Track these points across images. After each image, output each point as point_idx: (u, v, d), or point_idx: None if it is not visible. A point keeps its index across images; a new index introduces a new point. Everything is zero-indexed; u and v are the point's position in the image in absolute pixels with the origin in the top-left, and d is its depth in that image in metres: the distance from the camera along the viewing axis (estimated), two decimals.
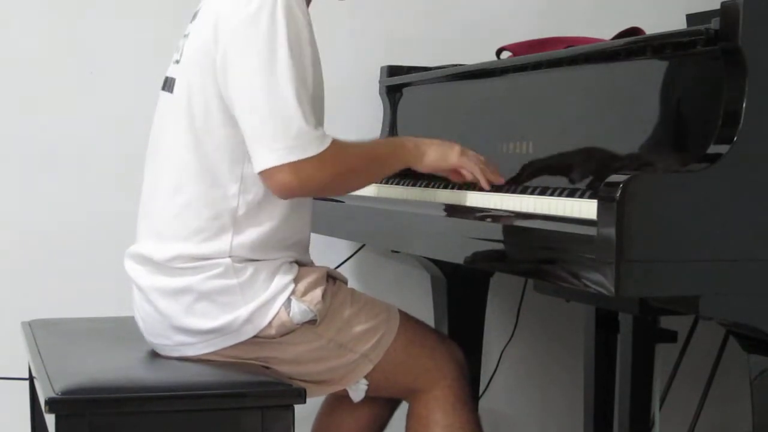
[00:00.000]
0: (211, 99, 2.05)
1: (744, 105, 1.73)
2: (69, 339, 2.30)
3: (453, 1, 3.19)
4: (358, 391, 2.19)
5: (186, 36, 2.17)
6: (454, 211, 2.19)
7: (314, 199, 2.26)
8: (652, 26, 2.25)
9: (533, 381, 3.30)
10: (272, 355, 2.11)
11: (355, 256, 3.11)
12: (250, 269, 2.07)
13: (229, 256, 2.07)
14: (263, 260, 2.09)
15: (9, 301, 2.90)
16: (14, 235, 2.93)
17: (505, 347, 3.21)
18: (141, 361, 2.13)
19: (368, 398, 2.22)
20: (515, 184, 2.20)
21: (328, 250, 2.93)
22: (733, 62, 1.75)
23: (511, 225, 1.97)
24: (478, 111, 2.53)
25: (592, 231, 1.69)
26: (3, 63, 2.91)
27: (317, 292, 2.10)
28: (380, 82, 3.03)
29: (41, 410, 1.93)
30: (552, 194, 2.05)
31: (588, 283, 1.70)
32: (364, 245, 3.08)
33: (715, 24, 1.78)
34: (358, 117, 3.05)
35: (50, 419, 1.91)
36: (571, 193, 2.02)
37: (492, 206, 2.12)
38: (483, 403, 3.02)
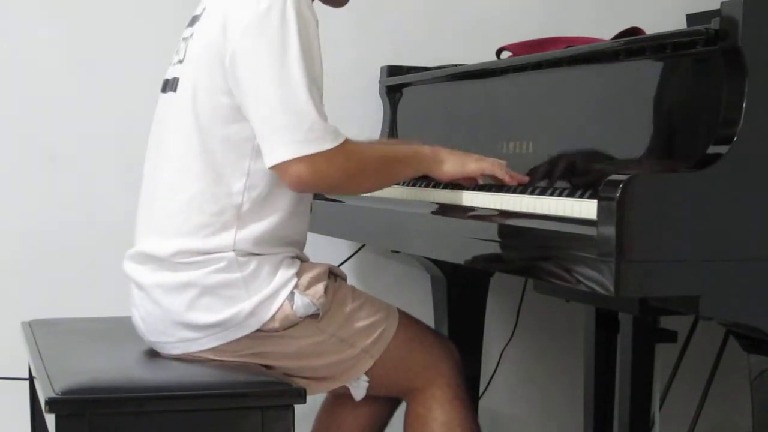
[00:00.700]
0: (218, 96, 2.06)
1: (744, 105, 1.73)
2: (69, 339, 2.30)
3: (453, 1, 3.19)
4: (359, 389, 2.19)
5: (186, 39, 2.17)
6: (454, 211, 2.19)
7: (315, 198, 2.26)
8: (652, 26, 2.25)
9: (533, 381, 3.30)
10: (274, 350, 2.11)
11: (355, 256, 3.11)
12: (253, 263, 2.08)
13: (233, 250, 2.07)
14: (266, 254, 2.10)
15: (9, 301, 2.90)
16: (14, 235, 2.93)
17: (505, 347, 3.21)
18: (141, 361, 2.13)
19: (368, 398, 2.22)
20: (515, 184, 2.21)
21: (328, 250, 2.93)
22: (733, 62, 1.75)
23: (511, 225, 1.97)
24: (478, 111, 2.53)
25: (592, 231, 1.69)
26: (3, 63, 2.91)
27: (320, 287, 2.10)
28: (380, 82, 3.03)
29: (41, 410, 1.93)
30: (552, 194, 2.05)
31: (588, 283, 1.70)
32: (364, 245, 3.08)
33: (715, 24, 1.78)
34: (358, 117, 3.04)
35: (50, 419, 1.91)
36: (571, 193, 2.02)
37: (492, 206, 2.12)
38: (483, 403, 3.02)
